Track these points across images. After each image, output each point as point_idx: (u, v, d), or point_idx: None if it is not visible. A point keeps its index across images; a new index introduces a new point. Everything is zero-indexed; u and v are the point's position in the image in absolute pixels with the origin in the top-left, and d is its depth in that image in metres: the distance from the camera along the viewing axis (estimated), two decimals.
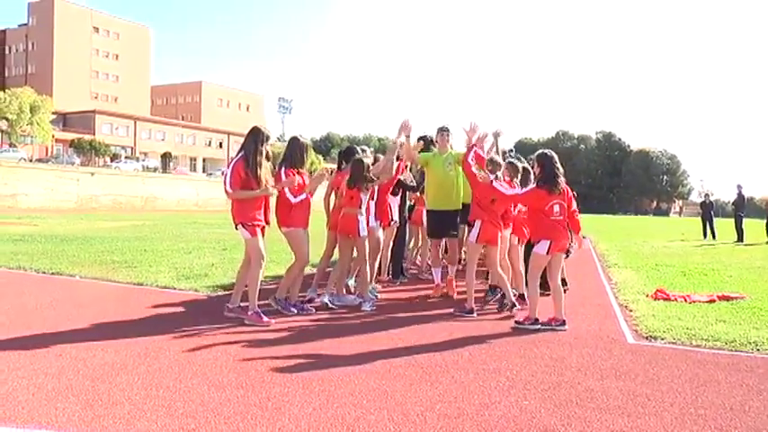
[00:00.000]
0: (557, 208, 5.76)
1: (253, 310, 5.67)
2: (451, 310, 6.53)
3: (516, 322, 5.87)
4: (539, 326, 5.68)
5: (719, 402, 3.74)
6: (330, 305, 6.50)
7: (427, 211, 7.89)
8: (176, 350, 4.66)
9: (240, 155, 5.72)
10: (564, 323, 5.74)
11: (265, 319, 5.66)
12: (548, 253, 5.75)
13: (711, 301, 7.37)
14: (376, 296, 7.06)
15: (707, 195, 24.56)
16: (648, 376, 4.27)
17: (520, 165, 6.88)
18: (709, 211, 23.41)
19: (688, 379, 4.22)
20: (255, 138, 5.71)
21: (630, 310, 6.74)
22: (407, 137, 7.16)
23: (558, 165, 5.88)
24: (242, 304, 5.83)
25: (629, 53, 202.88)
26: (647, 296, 7.71)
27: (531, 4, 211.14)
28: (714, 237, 22.36)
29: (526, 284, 7.75)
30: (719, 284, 9.13)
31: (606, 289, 8.66)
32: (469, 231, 6.63)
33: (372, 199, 6.86)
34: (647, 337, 5.48)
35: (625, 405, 3.65)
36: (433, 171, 7.59)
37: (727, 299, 7.52)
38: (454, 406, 3.55)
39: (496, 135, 7.63)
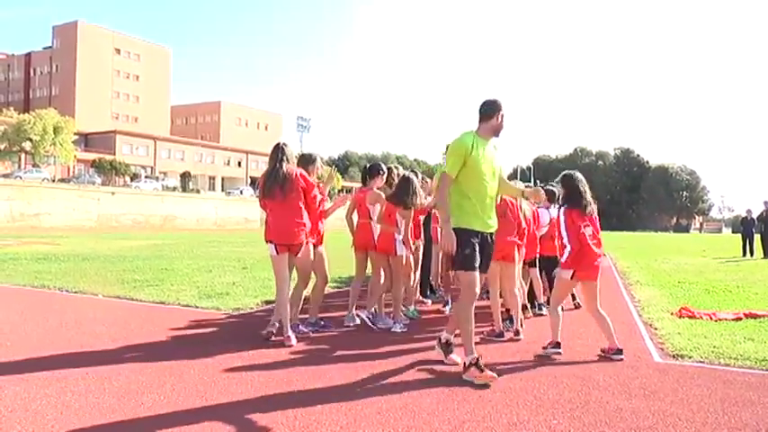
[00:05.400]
0: (588, 230, 5.42)
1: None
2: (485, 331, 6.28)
3: (543, 348, 5.54)
4: (560, 349, 5.43)
5: (753, 423, 3.66)
6: (369, 322, 6.44)
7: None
8: (201, 369, 4.66)
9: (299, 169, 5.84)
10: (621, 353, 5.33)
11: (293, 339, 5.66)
12: (572, 278, 5.46)
13: (738, 319, 7.24)
14: (417, 317, 7.03)
15: (749, 211, 23.89)
16: (678, 396, 4.19)
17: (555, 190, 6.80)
18: (750, 227, 22.96)
19: (719, 399, 4.14)
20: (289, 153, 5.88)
21: (655, 329, 6.64)
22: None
23: (584, 184, 5.57)
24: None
25: (648, 69, 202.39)
26: (672, 314, 7.60)
27: (549, 23, 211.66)
28: (752, 254, 21.96)
29: (533, 305, 7.68)
30: (745, 302, 8.98)
31: (629, 307, 8.55)
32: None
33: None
34: (673, 356, 5.39)
35: (656, 425, 3.58)
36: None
37: (755, 316, 7.37)
38: (483, 425, 3.51)
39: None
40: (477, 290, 4.69)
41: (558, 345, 5.48)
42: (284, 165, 5.72)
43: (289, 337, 5.59)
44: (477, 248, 4.60)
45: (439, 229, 7.07)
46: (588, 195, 5.60)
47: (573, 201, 5.53)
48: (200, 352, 5.20)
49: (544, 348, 5.53)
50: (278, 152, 5.79)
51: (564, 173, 5.83)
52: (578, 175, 5.69)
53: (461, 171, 4.64)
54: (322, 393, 4.08)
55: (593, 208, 5.59)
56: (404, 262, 6.49)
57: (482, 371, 4.43)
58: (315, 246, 6.10)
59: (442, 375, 4.60)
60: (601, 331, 5.49)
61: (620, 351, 5.31)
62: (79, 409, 3.65)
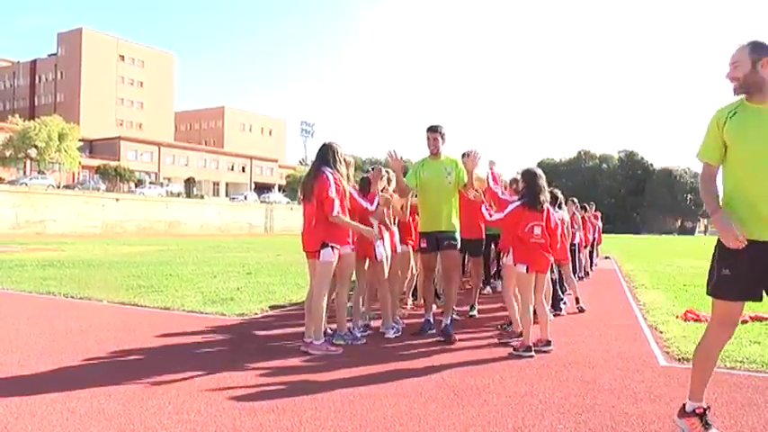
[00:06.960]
0: (537, 230, 5.56)
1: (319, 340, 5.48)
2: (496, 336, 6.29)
3: (513, 348, 5.62)
4: (532, 352, 5.43)
5: (760, 427, 3.65)
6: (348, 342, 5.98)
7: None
8: (206, 374, 4.66)
9: (328, 170, 5.43)
10: (549, 343, 5.62)
11: (333, 348, 5.51)
12: (528, 272, 5.59)
13: (744, 322, 7.19)
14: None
15: None
16: (684, 400, 4.16)
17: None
18: None
19: (725, 402, 4.12)
20: (335, 152, 5.53)
21: (660, 332, 6.62)
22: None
23: (543, 182, 5.71)
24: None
25: (651, 71, 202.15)
26: (677, 317, 7.58)
27: (553, 26, 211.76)
28: None
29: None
30: (751, 305, 8.83)
31: (634, 310, 8.53)
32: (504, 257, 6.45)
33: (394, 223, 6.76)
34: (679, 359, 5.37)
35: (662, 429, 3.57)
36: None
37: (761, 319, 7.34)
38: (488, 429, 3.51)
39: (492, 164, 6.85)
40: (733, 328, 3.47)
41: (529, 347, 5.49)
42: (319, 167, 5.50)
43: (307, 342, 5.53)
44: (747, 267, 3.22)
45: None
46: (546, 193, 5.77)
47: (529, 196, 5.66)
48: (205, 357, 5.21)
49: (515, 349, 5.57)
50: (318, 152, 5.65)
51: (526, 168, 5.97)
52: (539, 171, 5.85)
53: (726, 157, 3.32)
54: (327, 399, 4.07)
55: (548, 206, 5.78)
56: (385, 268, 6.31)
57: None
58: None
59: (446, 381, 4.59)
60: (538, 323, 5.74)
61: (548, 343, 5.65)
62: (84, 415, 3.66)
